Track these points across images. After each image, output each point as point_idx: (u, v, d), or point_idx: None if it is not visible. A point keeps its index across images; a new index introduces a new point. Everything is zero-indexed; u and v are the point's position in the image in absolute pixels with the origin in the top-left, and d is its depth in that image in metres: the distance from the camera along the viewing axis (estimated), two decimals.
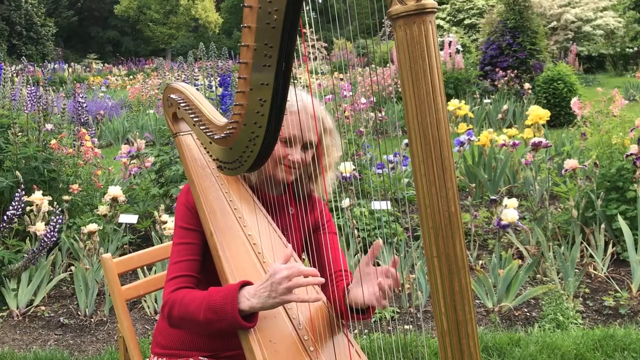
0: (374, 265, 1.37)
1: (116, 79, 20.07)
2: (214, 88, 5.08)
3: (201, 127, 1.46)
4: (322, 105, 1.56)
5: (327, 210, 1.63)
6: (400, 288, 3.19)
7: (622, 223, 3.33)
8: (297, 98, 1.41)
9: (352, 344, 1.35)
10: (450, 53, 11.03)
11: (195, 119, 1.48)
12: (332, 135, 1.55)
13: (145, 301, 3.33)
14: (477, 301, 3.20)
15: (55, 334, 3.14)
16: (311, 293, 1.33)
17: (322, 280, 1.27)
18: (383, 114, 7.18)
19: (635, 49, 17.76)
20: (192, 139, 1.63)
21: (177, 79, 6.34)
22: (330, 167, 1.57)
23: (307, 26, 1.21)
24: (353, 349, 1.34)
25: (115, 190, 3.79)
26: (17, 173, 3.76)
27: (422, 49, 0.86)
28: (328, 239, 1.59)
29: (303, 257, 1.62)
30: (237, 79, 1.21)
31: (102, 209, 3.80)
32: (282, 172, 1.49)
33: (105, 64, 27.00)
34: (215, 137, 1.40)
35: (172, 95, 1.57)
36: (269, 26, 1.11)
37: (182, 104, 1.53)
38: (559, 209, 4.37)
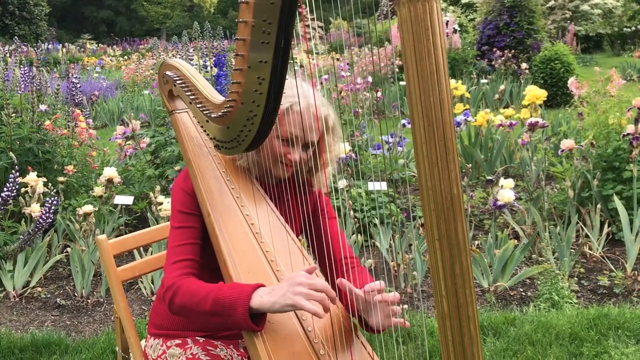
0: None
1: (111, 60, 19.89)
2: (209, 68, 5.03)
3: (198, 105, 1.43)
4: (325, 99, 1.51)
5: (326, 198, 1.61)
6: (396, 269, 3.20)
7: (617, 203, 3.34)
8: (300, 94, 1.37)
9: (350, 326, 1.34)
10: (447, 33, 10.95)
11: (191, 97, 1.45)
12: (335, 132, 1.51)
13: (141, 282, 3.33)
14: (473, 281, 3.21)
15: (52, 315, 3.14)
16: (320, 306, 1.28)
17: (334, 297, 1.24)
18: (380, 94, 7.15)
19: (633, 28, 17.67)
20: (189, 117, 1.60)
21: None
22: (330, 162, 1.55)
23: (304, 5, 1.19)
24: (351, 330, 1.34)
25: (110, 172, 3.77)
26: (11, 154, 3.74)
27: (427, 28, 0.83)
28: (328, 225, 1.56)
29: (301, 238, 1.61)
30: (234, 57, 1.18)
31: (98, 190, 3.78)
32: (280, 170, 1.47)
33: (100, 44, 26.73)
34: (212, 115, 1.37)
35: (168, 72, 1.54)
36: (267, 1, 1.08)
37: (178, 81, 1.50)
38: (555, 189, 4.37)
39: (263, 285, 1.26)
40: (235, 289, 1.25)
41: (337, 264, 1.50)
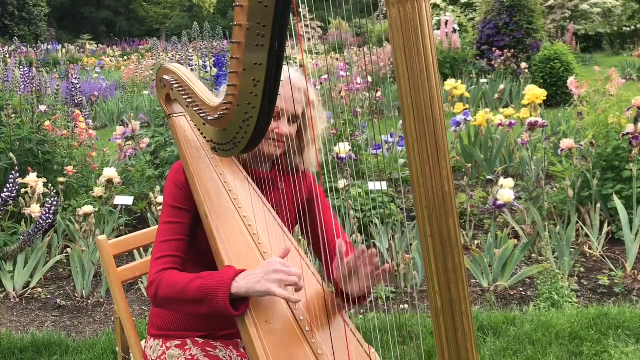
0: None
1: (110, 60, 19.90)
2: (208, 68, 5.03)
3: (194, 109, 1.44)
4: (303, 77, 1.54)
5: (317, 184, 1.63)
6: (396, 269, 3.20)
7: (617, 202, 3.34)
8: (282, 71, 1.40)
9: (347, 324, 1.35)
10: (447, 32, 10.95)
11: (188, 100, 1.46)
12: (316, 107, 1.55)
13: (141, 282, 3.34)
14: (473, 281, 3.22)
15: (53, 316, 3.15)
16: (295, 294, 1.30)
17: (301, 287, 1.26)
18: (379, 94, 7.15)
19: (633, 27, 17.66)
20: (186, 120, 1.62)
21: (172, 60, 6.28)
22: (317, 139, 1.57)
23: (303, 5, 1.19)
24: (349, 329, 1.34)
25: (110, 172, 3.78)
26: (11, 155, 3.74)
27: (416, 27, 0.85)
28: (321, 210, 1.58)
29: (298, 236, 1.61)
30: (230, 59, 1.20)
31: (98, 191, 3.79)
32: (271, 147, 1.49)
33: (99, 45, 26.72)
34: (209, 118, 1.39)
35: (165, 77, 1.56)
36: (261, 5, 1.09)
37: (175, 85, 1.52)
38: (555, 189, 4.38)
39: (244, 270, 1.28)
40: (216, 275, 1.29)
41: (332, 251, 1.52)
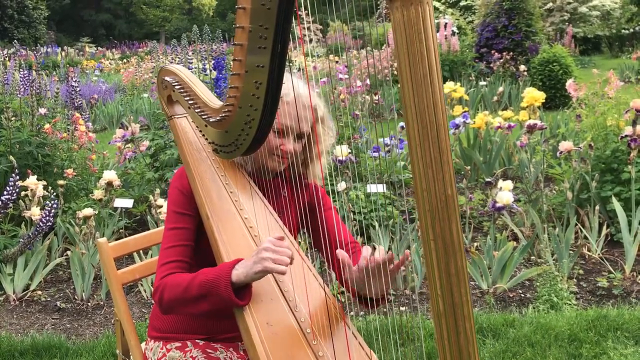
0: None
1: (110, 63, 19.89)
2: (208, 71, 5.04)
3: (196, 110, 1.45)
4: (316, 91, 1.55)
5: (322, 189, 1.63)
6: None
7: (616, 204, 3.35)
8: (291, 87, 1.40)
9: (348, 327, 1.35)
10: (445, 35, 10.97)
11: (190, 102, 1.47)
12: (325, 123, 1.55)
13: (141, 285, 3.34)
14: (472, 283, 3.22)
15: (52, 318, 3.15)
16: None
17: (293, 259, 1.28)
18: (379, 96, 7.17)
19: (631, 30, 17.70)
20: (188, 121, 1.62)
21: (171, 63, 6.29)
22: (323, 154, 1.57)
23: (302, 8, 1.20)
24: (350, 331, 1.35)
25: (110, 175, 3.78)
26: (11, 158, 3.74)
27: (419, 31, 0.85)
28: (325, 216, 1.58)
29: (299, 239, 1.62)
30: (232, 62, 1.20)
31: (97, 194, 3.79)
32: (275, 162, 1.49)
33: (99, 48, 26.73)
34: (211, 120, 1.40)
35: (167, 78, 1.56)
36: (264, 7, 1.10)
37: (176, 87, 1.52)
38: (554, 191, 4.38)
39: (241, 259, 1.30)
40: (216, 268, 1.31)
41: (347, 247, 1.52)
